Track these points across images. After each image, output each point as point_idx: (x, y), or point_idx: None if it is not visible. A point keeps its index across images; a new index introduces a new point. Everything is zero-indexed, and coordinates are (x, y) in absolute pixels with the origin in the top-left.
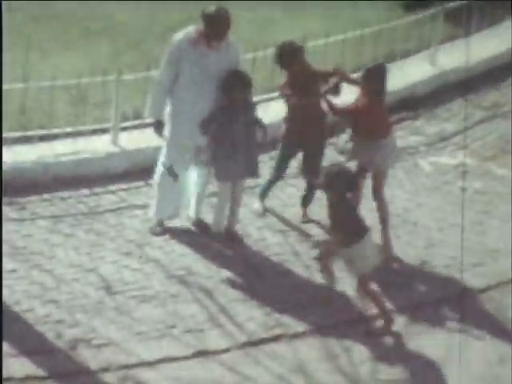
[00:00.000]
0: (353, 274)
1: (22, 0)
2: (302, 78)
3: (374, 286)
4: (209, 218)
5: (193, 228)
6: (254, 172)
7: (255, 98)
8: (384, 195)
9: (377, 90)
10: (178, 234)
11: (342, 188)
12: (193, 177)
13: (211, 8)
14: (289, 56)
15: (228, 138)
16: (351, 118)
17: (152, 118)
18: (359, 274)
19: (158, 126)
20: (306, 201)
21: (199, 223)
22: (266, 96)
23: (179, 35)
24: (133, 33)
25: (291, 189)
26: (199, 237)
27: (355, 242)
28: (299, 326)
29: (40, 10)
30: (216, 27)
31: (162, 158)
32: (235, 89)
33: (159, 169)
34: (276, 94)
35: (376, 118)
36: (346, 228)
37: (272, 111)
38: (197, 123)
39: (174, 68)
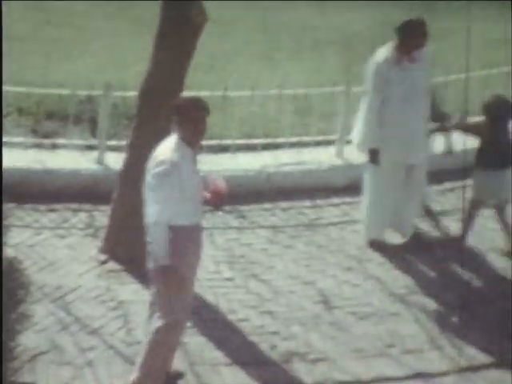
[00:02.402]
0: None
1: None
2: None
3: None
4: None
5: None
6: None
7: None
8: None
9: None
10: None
11: None
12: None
13: (406, 21)
14: None
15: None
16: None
17: (367, 147)
18: None
19: (375, 154)
20: None
21: (417, 238)
22: None
23: (378, 58)
24: (365, 45)
25: None
26: (422, 254)
27: None
28: None
29: (268, 19)
30: (416, 37)
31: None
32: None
33: (367, 187)
34: None
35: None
36: None
37: None
38: (411, 142)
39: (381, 92)
